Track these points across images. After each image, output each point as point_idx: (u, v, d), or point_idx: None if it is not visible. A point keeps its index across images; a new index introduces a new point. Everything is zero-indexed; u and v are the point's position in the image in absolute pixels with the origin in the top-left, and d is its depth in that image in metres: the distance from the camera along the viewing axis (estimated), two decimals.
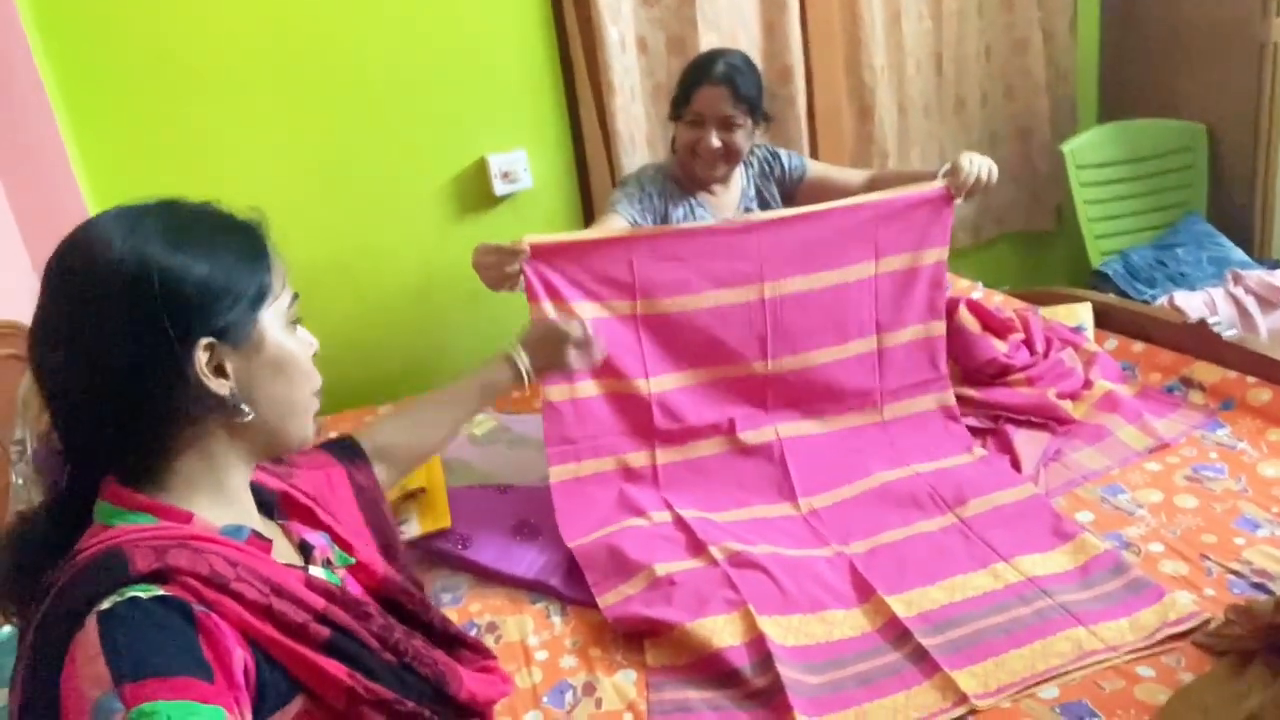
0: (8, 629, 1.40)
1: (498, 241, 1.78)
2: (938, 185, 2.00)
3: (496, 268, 1.76)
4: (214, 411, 0.85)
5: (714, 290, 1.94)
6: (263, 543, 0.90)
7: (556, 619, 1.62)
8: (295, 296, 0.93)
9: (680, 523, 1.77)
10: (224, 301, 0.84)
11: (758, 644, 1.46)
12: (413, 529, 1.75)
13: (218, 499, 0.88)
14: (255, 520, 0.94)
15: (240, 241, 0.88)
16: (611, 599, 1.61)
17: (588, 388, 1.90)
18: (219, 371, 0.85)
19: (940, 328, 2.08)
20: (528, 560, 1.72)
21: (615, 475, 1.90)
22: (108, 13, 2.19)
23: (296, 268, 0.94)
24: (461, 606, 1.66)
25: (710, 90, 1.99)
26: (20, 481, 1.50)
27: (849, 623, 1.54)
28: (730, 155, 2.04)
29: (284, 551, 0.95)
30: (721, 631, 1.48)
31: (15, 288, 1.74)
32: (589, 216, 2.73)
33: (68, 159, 2.08)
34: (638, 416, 1.93)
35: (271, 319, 0.89)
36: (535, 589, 1.69)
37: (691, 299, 1.93)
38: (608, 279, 1.88)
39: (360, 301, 2.58)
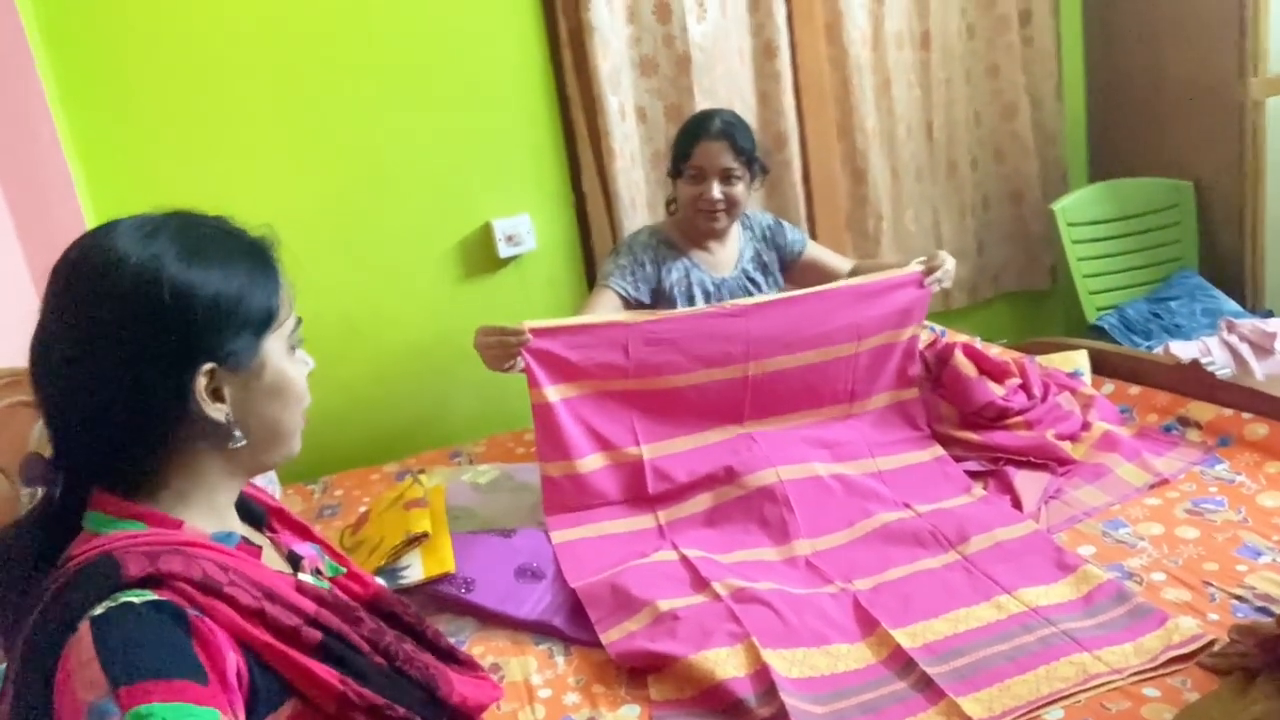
0: None
1: (500, 324, 1.84)
2: (914, 269, 2.10)
3: (498, 348, 1.82)
4: (205, 434, 0.86)
5: (704, 369, 2.00)
6: (252, 548, 0.92)
7: (560, 659, 1.62)
8: (299, 321, 0.94)
9: (684, 561, 1.78)
10: (231, 329, 0.85)
11: (762, 675, 1.45)
12: (416, 573, 1.76)
13: (206, 511, 0.89)
14: (243, 529, 0.95)
15: (252, 266, 0.88)
16: (615, 635, 1.60)
17: (585, 464, 1.95)
18: (216, 396, 0.85)
19: (910, 394, 2.16)
20: (531, 602, 1.72)
21: (620, 535, 1.92)
22: (123, 85, 2.31)
23: (303, 325, 0.95)
24: (465, 649, 1.65)
25: (710, 145, 2.08)
26: None
27: (853, 655, 1.54)
28: (731, 206, 2.13)
29: (273, 560, 0.96)
30: (725, 663, 1.48)
31: (21, 334, 1.73)
32: (591, 277, 2.79)
33: (81, 211, 2.15)
34: (633, 484, 1.98)
35: (275, 344, 0.90)
36: (539, 631, 1.69)
37: (682, 377, 1.99)
38: (604, 363, 1.94)
39: (366, 360, 2.62)
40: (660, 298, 2.19)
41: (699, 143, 2.09)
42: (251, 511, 1.00)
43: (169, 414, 0.83)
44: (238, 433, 0.87)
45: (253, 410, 0.88)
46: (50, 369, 0.84)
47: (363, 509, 2.17)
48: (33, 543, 0.85)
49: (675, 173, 2.18)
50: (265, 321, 0.88)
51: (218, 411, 0.85)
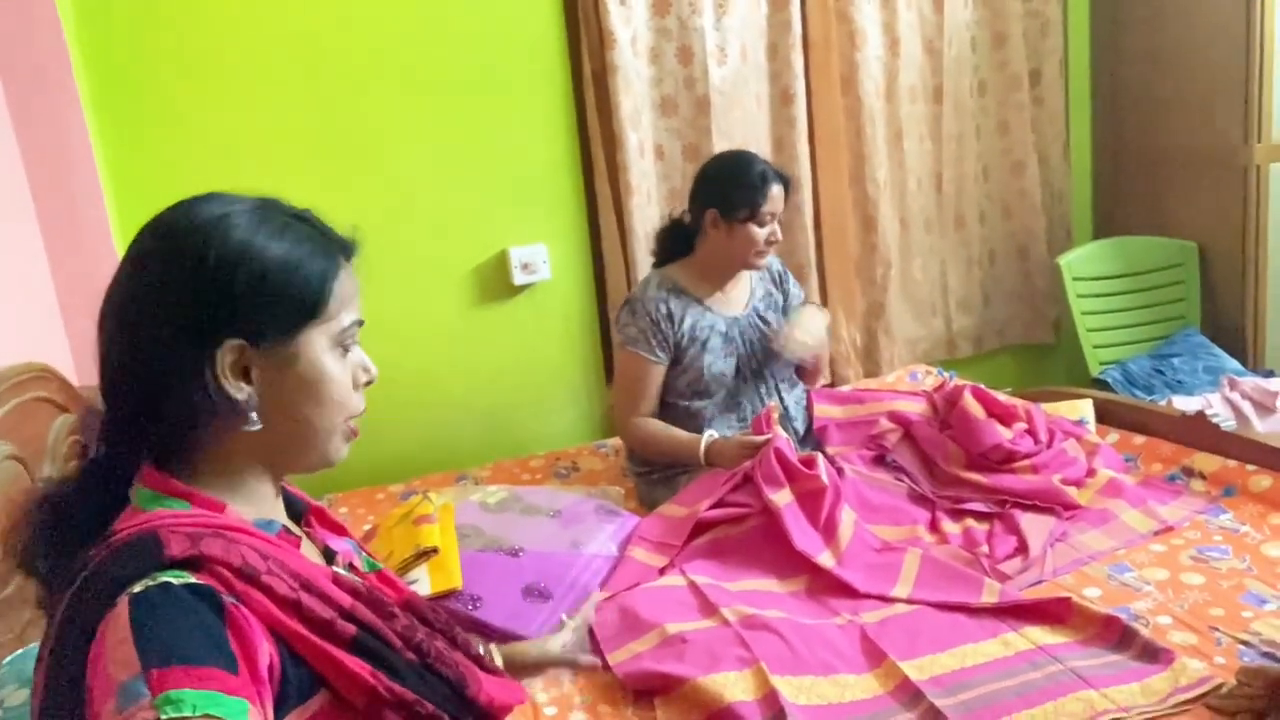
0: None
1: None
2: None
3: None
4: (225, 412, 0.84)
5: None
6: (292, 538, 0.92)
7: (565, 678, 1.61)
8: (358, 323, 0.93)
9: (692, 587, 1.78)
10: (269, 309, 0.85)
11: (770, 700, 1.45)
12: (423, 588, 1.75)
13: (250, 497, 0.89)
14: (284, 519, 0.95)
15: (313, 255, 0.88)
16: (622, 655, 1.60)
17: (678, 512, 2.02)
18: (243, 375, 0.84)
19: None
20: (538, 621, 1.72)
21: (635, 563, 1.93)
22: (154, 100, 2.36)
23: None
24: None
25: (778, 189, 2.17)
26: None
27: (861, 686, 1.53)
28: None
29: (310, 552, 0.96)
30: (733, 687, 1.48)
31: (45, 330, 1.75)
32: (603, 310, 2.84)
33: (107, 217, 2.18)
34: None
35: (317, 337, 0.88)
36: None
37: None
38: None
39: (377, 379, 2.63)
40: (678, 349, 2.23)
41: (770, 188, 2.15)
42: (292, 506, 1.01)
43: (190, 384, 0.82)
44: (253, 415, 0.85)
45: (282, 401, 0.87)
46: (106, 326, 0.85)
47: (367, 527, 2.17)
48: (77, 510, 0.85)
49: (743, 218, 2.15)
50: (309, 310, 0.87)
51: (238, 390, 0.84)
